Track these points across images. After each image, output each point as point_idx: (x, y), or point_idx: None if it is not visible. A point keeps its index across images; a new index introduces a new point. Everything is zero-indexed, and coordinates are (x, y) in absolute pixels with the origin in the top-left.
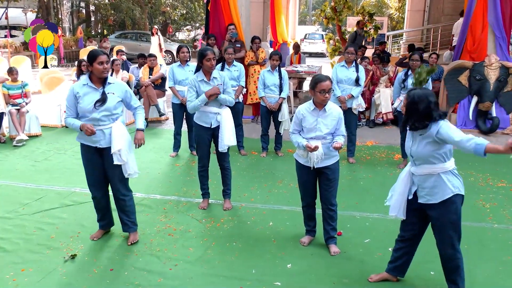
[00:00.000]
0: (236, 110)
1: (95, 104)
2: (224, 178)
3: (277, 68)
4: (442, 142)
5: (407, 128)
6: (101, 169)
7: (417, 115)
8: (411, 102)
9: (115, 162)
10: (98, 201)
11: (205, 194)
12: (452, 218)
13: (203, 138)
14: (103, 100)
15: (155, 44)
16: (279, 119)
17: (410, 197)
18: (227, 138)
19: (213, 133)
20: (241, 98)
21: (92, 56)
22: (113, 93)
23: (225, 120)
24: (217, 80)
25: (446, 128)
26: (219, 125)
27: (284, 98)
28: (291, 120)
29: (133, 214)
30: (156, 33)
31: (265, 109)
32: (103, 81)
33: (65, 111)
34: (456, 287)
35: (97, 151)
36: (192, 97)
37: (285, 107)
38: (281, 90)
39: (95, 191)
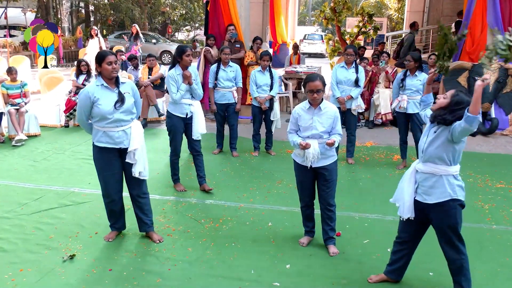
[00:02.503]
0: (232, 111)
1: (115, 104)
2: (199, 163)
3: (267, 68)
4: (451, 138)
5: (431, 121)
6: (121, 170)
7: (453, 114)
8: (457, 101)
9: (127, 160)
10: (115, 203)
11: (178, 179)
12: (451, 222)
13: (179, 128)
14: (121, 100)
15: (95, 47)
16: (271, 118)
17: (414, 196)
18: (201, 126)
19: (186, 123)
20: (237, 99)
21: (100, 57)
22: (128, 93)
23: (198, 111)
24: (192, 75)
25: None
26: (191, 116)
27: (273, 96)
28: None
29: (151, 213)
30: (96, 35)
31: (258, 108)
32: (115, 81)
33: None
34: (459, 287)
35: (118, 152)
36: (175, 89)
37: (276, 106)
38: (271, 90)
39: (114, 194)
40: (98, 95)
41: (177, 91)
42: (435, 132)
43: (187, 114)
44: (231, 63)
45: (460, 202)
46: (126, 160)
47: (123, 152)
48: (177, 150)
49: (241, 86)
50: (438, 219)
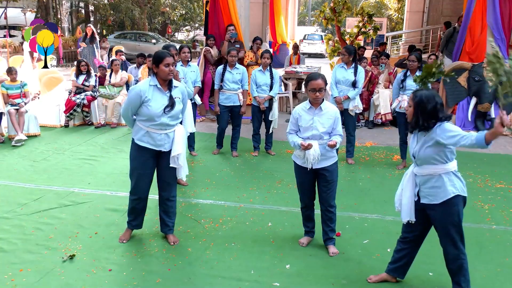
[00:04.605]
0: (237, 112)
1: (164, 109)
2: None
3: (268, 68)
4: (444, 144)
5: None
6: (153, 171)
7: (425, 114)
8: (418, 102)
9: (171, 165)
10: (140, 202)
11: None
12: (453, 219)
13: None
14: (172, 105)
15: (26, 53)
16: (270, 118)
17: (416, 199)
18: (189, 125)
19: None
20: (242, 102)
21: (158, 58)
22: (179, 97)
23: (187, 110)
24: (180, 74)
25: (449, 126)
26: None
27: (272, 97)
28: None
29: (175, 216)
30: None
31: (257, 108)
32: (168, 84)
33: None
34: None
35: (156, 154)
36: None
37: (275, 107)
38: (271, 90)
39: (142, 193)
40: (150, 96)
41: None
42: (424, 136)
43: None
44: (237, 65)
45: (463, 197)
46: (171, 165)
47: (160, 154)
48: None
49: (247, 89)
50: (441, 217)
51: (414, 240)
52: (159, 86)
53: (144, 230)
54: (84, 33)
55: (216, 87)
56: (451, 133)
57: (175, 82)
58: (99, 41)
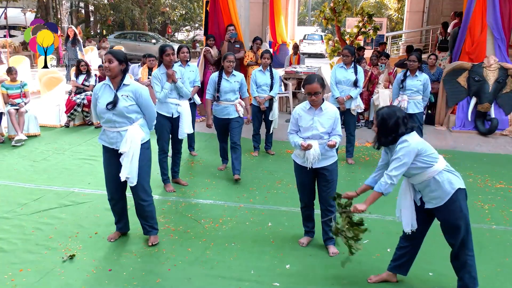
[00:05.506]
0: (234, 127)
1: (107, 105)
2: (177, 160)
3: (268, 68)
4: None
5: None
6: (119, 171)
7: (386, 131)
8: (381, 120)
9: (122, 162)
10: (114, 203)
11: (167, 179)
12: (457, 215)
13: (164, 127)
14: (114, 102)
15: None
16: (270, 118)
17: (418, 204)
18: (187, 127)
19: (173, 123)
20: (241, 113)
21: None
22: (127, 96)
23: (185, 111)
24: (177, 74)
25: (399, 150)
26: (178, 116)
27: (272, 97)
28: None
29: (152, 219)
30: None
31: (257, 108)
32: (119, 82)
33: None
34: (462, 284)
35: (115, 153)
36: (159, 88)
37: (275, 107)
38: (271, 90)
39: (111, 193)
40: (100, 93)
41: (161, 90)
42: (392, 152)
43: (173, 114)
44: (234, 72)
45: (462, 189)
46: (122, 163)
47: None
48: (165, 148)
49: (248, 95)
50: (446, 216)
51: (415, 237)
52: (108, 83)
53: None
54: (66, 35)
55: (208, 96)
56: (395, 155)
57: (128, 81)
58: (100, 41)
